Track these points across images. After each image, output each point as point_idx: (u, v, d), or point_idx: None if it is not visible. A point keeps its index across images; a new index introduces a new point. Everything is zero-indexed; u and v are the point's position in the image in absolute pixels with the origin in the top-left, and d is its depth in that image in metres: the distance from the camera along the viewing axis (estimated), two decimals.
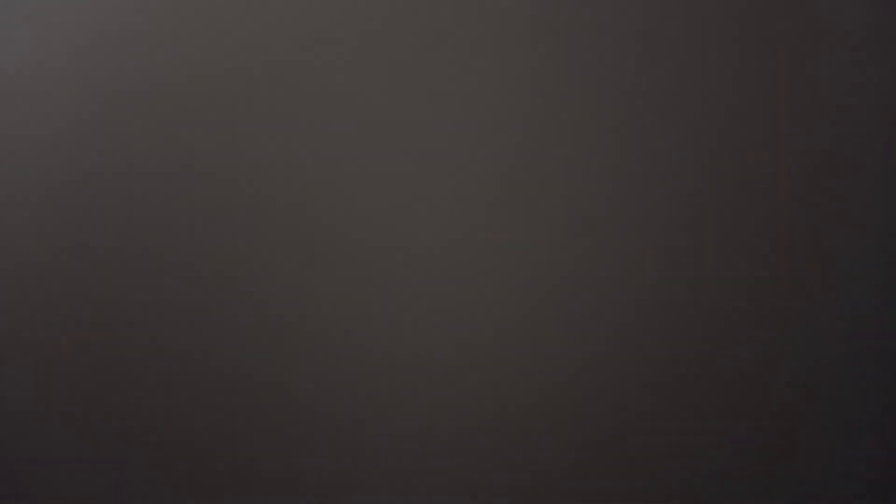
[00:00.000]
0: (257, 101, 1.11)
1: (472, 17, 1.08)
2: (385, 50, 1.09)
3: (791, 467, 1.02)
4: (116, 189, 1.13)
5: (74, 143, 1.14)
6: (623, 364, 1.05)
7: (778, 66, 1.03)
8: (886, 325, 1.01)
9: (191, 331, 1.11)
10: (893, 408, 1.00)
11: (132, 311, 1.12)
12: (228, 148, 1.11)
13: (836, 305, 1.02)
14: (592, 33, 1.06)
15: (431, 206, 1.08)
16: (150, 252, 1.12)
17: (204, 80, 1.12)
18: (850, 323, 1.01)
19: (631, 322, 1.04)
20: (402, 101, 1.09)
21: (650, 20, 1.05)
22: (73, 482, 1.13)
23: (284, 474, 1.09)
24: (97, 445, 1.13)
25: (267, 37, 1.11)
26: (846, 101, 1.02)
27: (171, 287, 1.12)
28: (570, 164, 1.06)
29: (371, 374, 1.08)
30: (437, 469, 1.07)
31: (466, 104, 1.08)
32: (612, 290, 1.05)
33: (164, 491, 1.11)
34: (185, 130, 1.12)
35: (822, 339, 1.02)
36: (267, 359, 1.10)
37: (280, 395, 1.10)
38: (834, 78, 1.03)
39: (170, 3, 1.13)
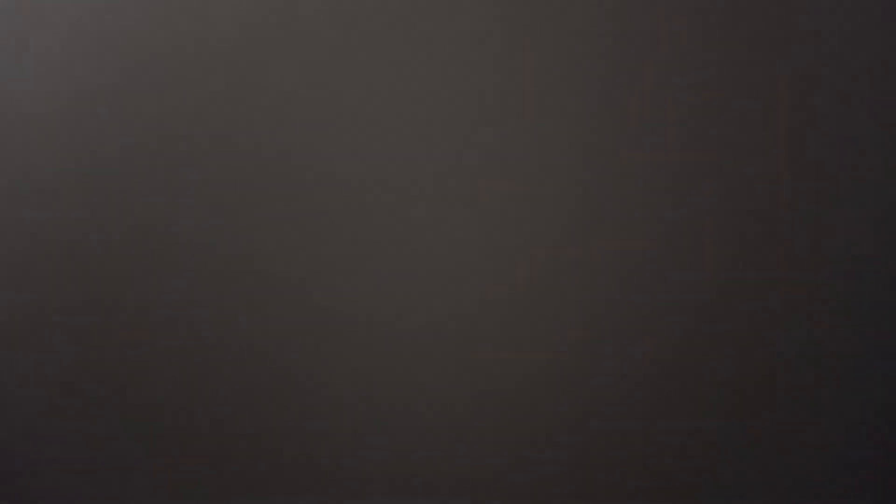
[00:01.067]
0: (257, 96, 1.11)
1: (468, 15, 1.08)
2: (382, 49, 1.09)
3: (791, 467, 1.02)
4: (115, 186, 1.13)
5: (71, 140, 1.14)
6: (623, 364, 1.05)
7: (770, 64, 1.04)
8: (886, 325, 1.01)
9: (189, 327, 1.11)
10: (893, 408, 1.00)
11: (132, 307, 1.12)
12: (228, 143, 1.11)
13: (835, 305, 1.02)
14: (588, 30, 1.06)
15: (428, 202, 1.08)
16: (150, 246, 1.12)
17: (202, 75, 1.12)
18: (851, 323, 1.01)
19: (631, 322, 1.05)
20: (399, 99, 1.09)
21: (639, 17, 1.05)
22: (73, 482, 1.13)
23: (283, 467, 1.09)
24: (99, 444, 1.13)
25: (263, 34, 1.11)
26: (845, 100, 1.03)
27: (170, 283, 1.12)
28: (561, 159, 1.06)
29: (370, 368, 1.08)
30: (433, 463, 1.07)
31: (466, 102, 1.08)
32: (610, 284, 1.05)
33: (165, 489, 1.11)
34: (185, 124, 1.12)
35: (822, 339, 1.02)
36: (266, 357, 1.10)
37: (277, 388, 1.10)
38: (830, 75, 1.03)
39: None
